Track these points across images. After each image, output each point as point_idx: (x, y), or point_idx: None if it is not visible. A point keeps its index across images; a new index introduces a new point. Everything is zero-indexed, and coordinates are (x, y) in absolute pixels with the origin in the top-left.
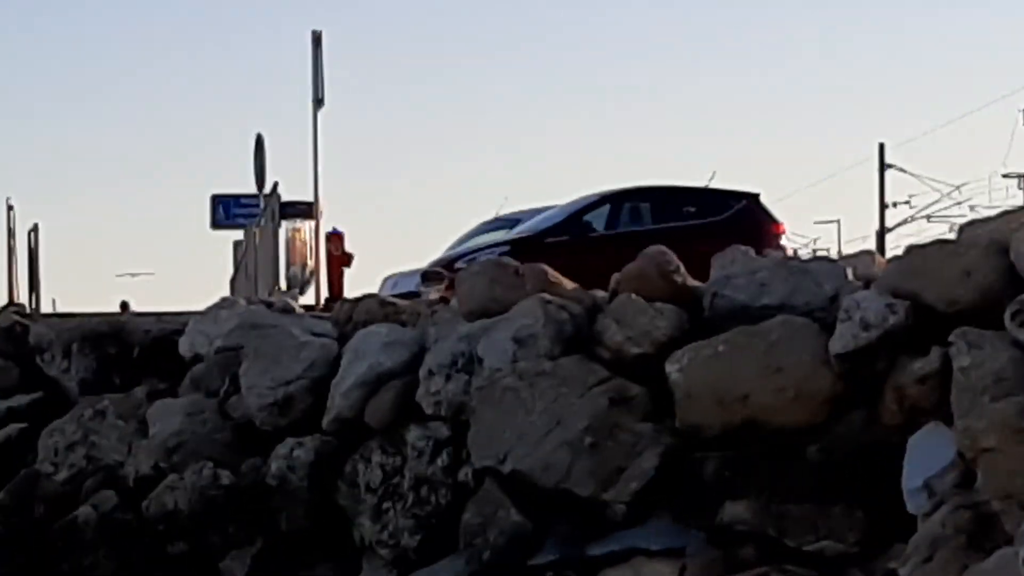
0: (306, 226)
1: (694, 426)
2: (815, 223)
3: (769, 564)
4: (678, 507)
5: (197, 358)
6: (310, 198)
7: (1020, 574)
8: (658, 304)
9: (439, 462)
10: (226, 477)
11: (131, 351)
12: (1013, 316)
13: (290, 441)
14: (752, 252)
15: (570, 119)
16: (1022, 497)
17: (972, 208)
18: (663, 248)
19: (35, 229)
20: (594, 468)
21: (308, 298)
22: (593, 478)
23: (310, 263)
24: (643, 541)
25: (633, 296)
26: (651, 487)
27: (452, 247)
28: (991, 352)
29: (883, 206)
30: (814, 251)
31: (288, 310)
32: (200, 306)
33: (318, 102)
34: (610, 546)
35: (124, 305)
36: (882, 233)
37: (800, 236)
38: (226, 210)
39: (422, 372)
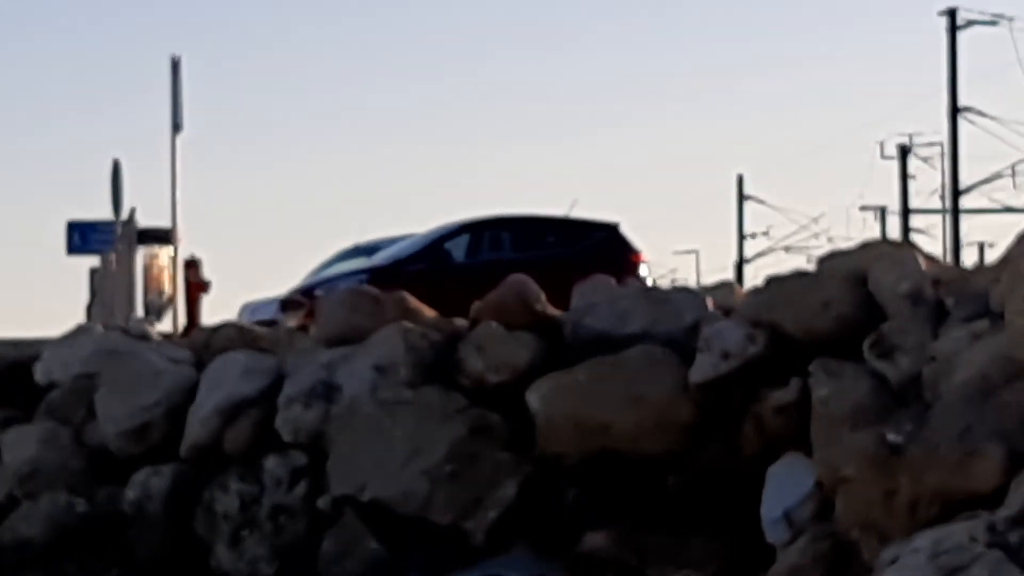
0: (164, 253)
1: (554, 455)
2: (674, 253)
3: None
4: (538, 536)
5: (53, 385)
6: (168, 224)
7: None
8: (519, 333)
9: (297, 490)
10: (81, 505)
11: None
12: (871, 346)
13: (147, 469)
14: (612, 282)
15: (431, 146)
16: (880, 527)
17: (830, 240)
18: (524, 277)
19: None
20: (454, 497)
21: (166, 325)
22: (453, 507)
23: (168, 290)
24: (503, 570)
25: (494, 325)
26: (511, 516)
27: (311, 275)
28: (849, 382)
29: (742, 237)
30: (673, 281)
31: (145, 337)
32: (56, 333)
33: (176, 127)
34: (470, 575)
35: None
36: (741, 264)
37: (659, 266)
38: (82, 236)
39: (281, 400)
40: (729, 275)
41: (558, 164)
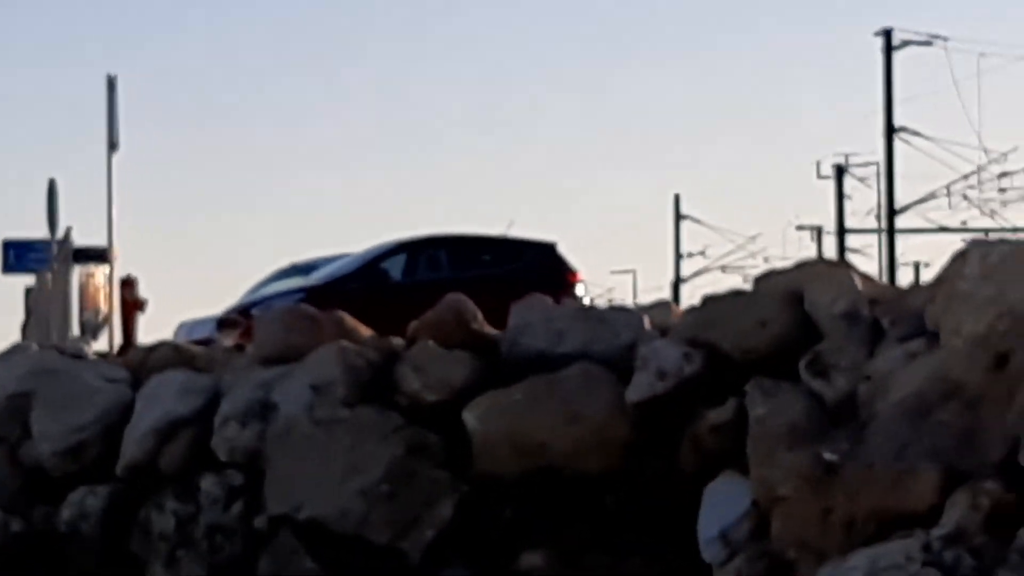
0: (100, 271)
1: (491, 474)
2: (611, 272)
3: None
4: (475, 555)
5: None
6: (104, 243)
7: None
8: (455, 352)
9: (233, 510)
10: (17, 524)
11: None
12: (807, 366)
13: (82, 488)
14: (549, 301)
15: (367, 167)
16: (816, 545)
17: (766, 259)
18: (461, 296)
19: None
20: (390, 516)
21: (102, 344)
22: (389, 526)
23: (104, 309)
24: None
25: (430, 344)
26: (448, 535)
27: (248, 294)
28: (786, 401)
29: (678, 256)
30: (610, 300)
31: (81, 356)
32: None
33: (112, 146)
34: None
35: None
36: (677, 283)
37: (596, 285)
38: (18, 255)
39: (217, 419)
40: (666, 294)
41: (495, 184)
